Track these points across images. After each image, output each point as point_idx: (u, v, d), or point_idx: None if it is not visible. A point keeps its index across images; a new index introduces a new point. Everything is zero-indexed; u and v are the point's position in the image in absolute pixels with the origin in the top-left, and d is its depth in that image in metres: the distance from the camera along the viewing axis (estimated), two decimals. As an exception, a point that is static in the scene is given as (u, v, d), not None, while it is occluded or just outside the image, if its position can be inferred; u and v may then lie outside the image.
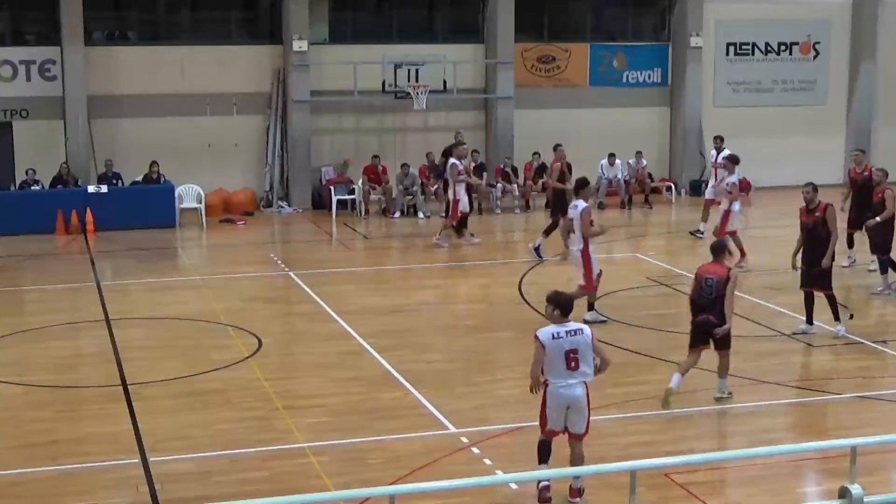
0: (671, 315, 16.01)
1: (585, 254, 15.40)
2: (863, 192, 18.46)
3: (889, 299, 16.94)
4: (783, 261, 15.38)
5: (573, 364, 9.45)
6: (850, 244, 18.89)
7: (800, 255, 14.77)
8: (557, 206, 20.17)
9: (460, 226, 21.73)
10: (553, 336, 9.48)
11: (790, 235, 16.79)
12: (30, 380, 13.12)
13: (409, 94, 25.96)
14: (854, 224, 18.65)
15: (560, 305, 9.62)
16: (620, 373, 13.09)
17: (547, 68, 28.54)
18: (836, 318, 14.62)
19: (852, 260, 18.82)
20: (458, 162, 21.34)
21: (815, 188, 14.67)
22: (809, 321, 14.73)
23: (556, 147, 21.53)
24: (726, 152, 21.64)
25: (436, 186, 25.45)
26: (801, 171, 29.51)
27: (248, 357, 13.96)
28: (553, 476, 9.53)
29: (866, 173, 18.57)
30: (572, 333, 9.49)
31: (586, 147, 27.02)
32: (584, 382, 9.58)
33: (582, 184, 15.81)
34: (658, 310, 16.58)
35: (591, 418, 9.69)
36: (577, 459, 9.68)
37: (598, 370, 9.65)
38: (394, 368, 13.38)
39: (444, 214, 22.36)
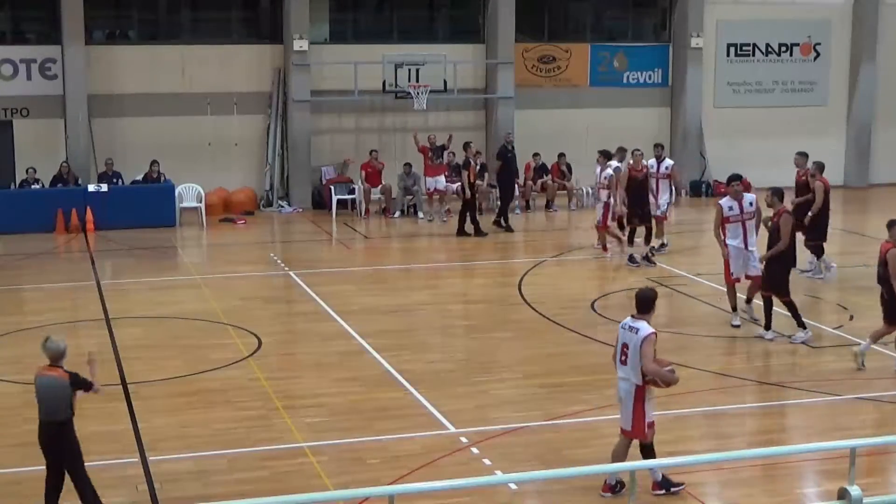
0: (670, 316, 16.02)
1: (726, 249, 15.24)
2: (803, 193, 18.22)
3: None
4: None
5: (623, 358, 9.55)
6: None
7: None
8: (633, 208, 19.43)
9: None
10: (621, 326, 9.69)
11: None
12: (29, 378, 13.05)
13: (409, 94, 25.93)
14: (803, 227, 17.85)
15: (636, 299, 9.73)
16: (620, 373, 13.12)
17: (547, 68, 28.54)
18: (799, 325, 14.38)
19: (813, 268, 18.13)
20: (619, 166, 20.48)
21: (774, 192, 14.41)
22: (767, 326, 14.49)
23: (634, 152, 19.85)
24: (668, 162, 20.21)
25: (438, 160, 25.06)
26: (801, 172, 29.78)
27: (247, 356, 13.96)
28: (552, 476, 9.50)
29: (804, 177, 18.31)
30: (629, 329, 9.55)
31: (586, 147, 26.97)
32: (635, 384, 9.47)
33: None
34: (657, 310, 16.54)
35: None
36: (615, 452, 9.66)
37: (644, 374, 9.46)
38: (393, 368, 13.37)
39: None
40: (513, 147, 24.79)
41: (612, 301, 16.89)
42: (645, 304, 9.58)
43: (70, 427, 9.09)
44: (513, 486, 9.76)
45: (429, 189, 25.05)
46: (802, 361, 13.90)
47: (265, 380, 12.94)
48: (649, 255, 19.25)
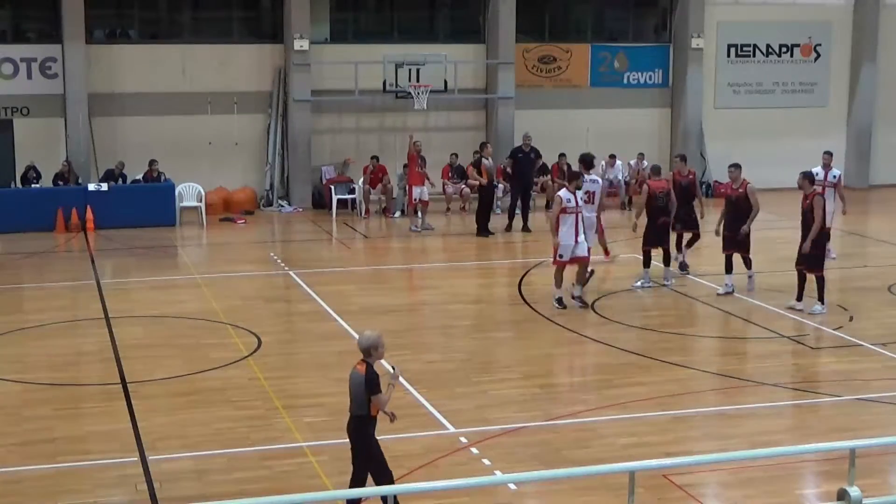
0: (670, 316, 16.02)
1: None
2: (736, 208, 16.83)
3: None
4: (784, 263, 15.40)
5: None
6: (729, 269, 17.04)
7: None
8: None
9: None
10: None
11: (791, 237, 16.79)
12: (29, 377, 13.12)
13: (409, 93, 25.93)
14: (731, 244, 16.92)
15: None
16: (619, 374, 13.13)
17: (548, 69, 28.54)
18: (819, 299, 15.75)
19: (729, 288, 17.03)
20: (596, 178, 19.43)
21: (805, 176, 15.70)
22: (799, 298, 15.91)
23: (655, 169, 18.83)
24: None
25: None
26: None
27: (247, 356, 13.96)
28: (551, 476, 9.49)
29: (741, 190, 16.85)
30: None
31: (587, 148, 26.90)
32: None
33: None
34: (657, 311, 16.57)
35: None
36: None
37: None
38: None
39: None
40: (531, 149, 24.07)
41: (612, 301, 16.89)
42: None
43: (364, 424, 8.86)
44: (512, 486, 9.75)
45: (414, 200, 23.48)
46: (802, 362, 13.90)
47: (265, 379, 12.93)
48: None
